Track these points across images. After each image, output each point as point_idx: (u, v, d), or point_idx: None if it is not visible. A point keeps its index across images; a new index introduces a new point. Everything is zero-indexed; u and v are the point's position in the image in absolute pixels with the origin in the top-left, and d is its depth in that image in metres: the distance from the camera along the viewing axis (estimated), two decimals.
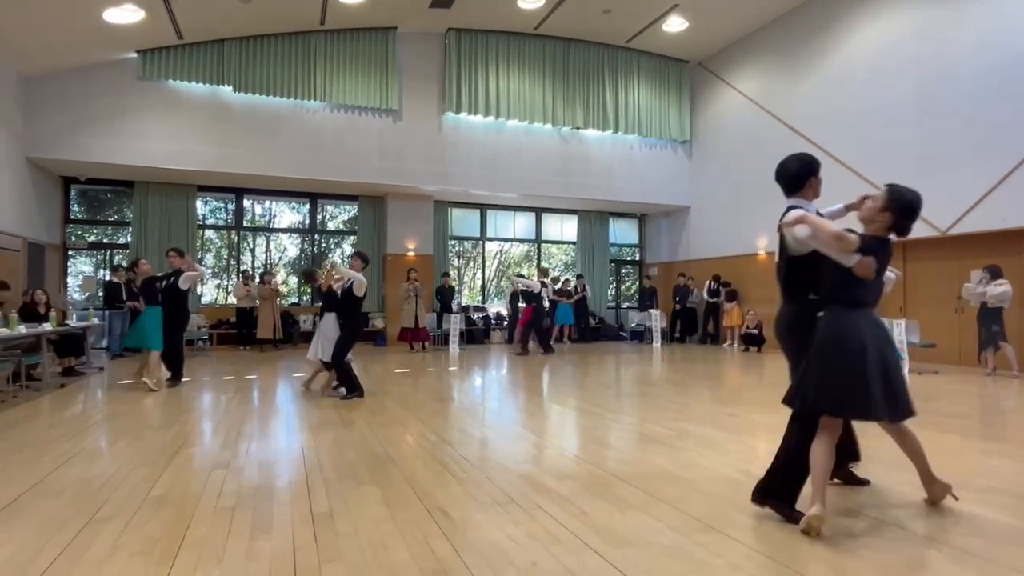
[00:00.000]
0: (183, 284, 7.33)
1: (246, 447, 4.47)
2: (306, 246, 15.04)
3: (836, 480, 3.48)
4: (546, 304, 12.67)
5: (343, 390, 6.72)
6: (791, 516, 2.92)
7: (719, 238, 14.55)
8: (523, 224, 16.29)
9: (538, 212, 16.20)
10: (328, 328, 6.80)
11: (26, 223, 10.76)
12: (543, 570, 2.46)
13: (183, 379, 7.59)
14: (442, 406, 6.32)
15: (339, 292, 6.87)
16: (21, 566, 2.48)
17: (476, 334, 14.54)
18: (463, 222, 15.68)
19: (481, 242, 16.17)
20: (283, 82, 12.08)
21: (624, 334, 16.14)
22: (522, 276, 13.11)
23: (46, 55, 10.29)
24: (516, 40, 13.72)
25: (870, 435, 3.80)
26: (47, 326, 7.52)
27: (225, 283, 14.43)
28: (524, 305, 12.26)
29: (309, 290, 13.66)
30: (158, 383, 7.09)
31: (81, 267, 13.56)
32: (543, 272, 13.03)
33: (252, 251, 14.57)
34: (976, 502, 3.25)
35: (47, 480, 3.62)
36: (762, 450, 4.49)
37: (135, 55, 11.24)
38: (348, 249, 15.59)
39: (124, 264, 11.96)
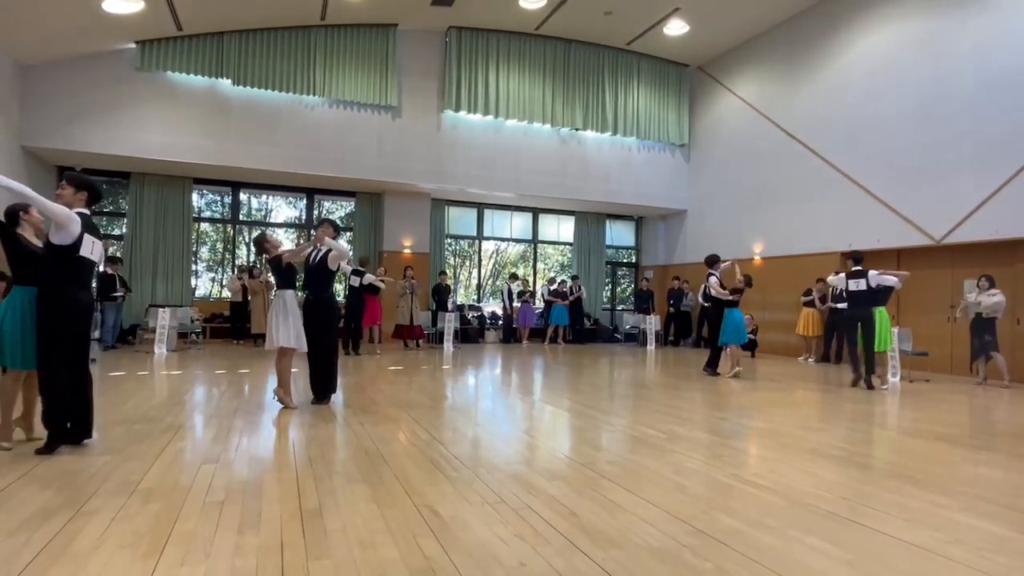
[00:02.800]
0: (55, 237, 3.86)
1: (237, 442, 4.45)
2: (302, 241, 15.00)
3: None
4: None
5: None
6: None
7: (715, 242, 14.54)
8: (520, 224, 16.28)
9: (535, 212, 16.20)
10: (291, 307, 5.67)
11: None
12: (531, 571, 2.45)
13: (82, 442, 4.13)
14: (435, 405, 6.32)
15: (299, 264, 5.91)
16: (5, 558, 2.46)
17: (471, 333, 14.54)
18: (460, 221, 15.67)
19: (477, 241, 16.16)
20: (282, 76, 12.04)
21: (619, 336, 16.15)
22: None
23: (44, 44, 10.23)
24: (517, 40, 13.72)
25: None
26: None
27: (220, 276, 14.38)
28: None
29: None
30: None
31: None
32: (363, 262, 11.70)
33: (248, 245, 14.51)
34: (965, 511, 3.27)
35: (34, 471, 3.59)
36: (753, 454, 4.50)
37: (133, 46, 11.18)
38: (344, 245, 15.53)
39: (119, 255, 11.94)
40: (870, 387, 7.78)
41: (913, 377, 9.17)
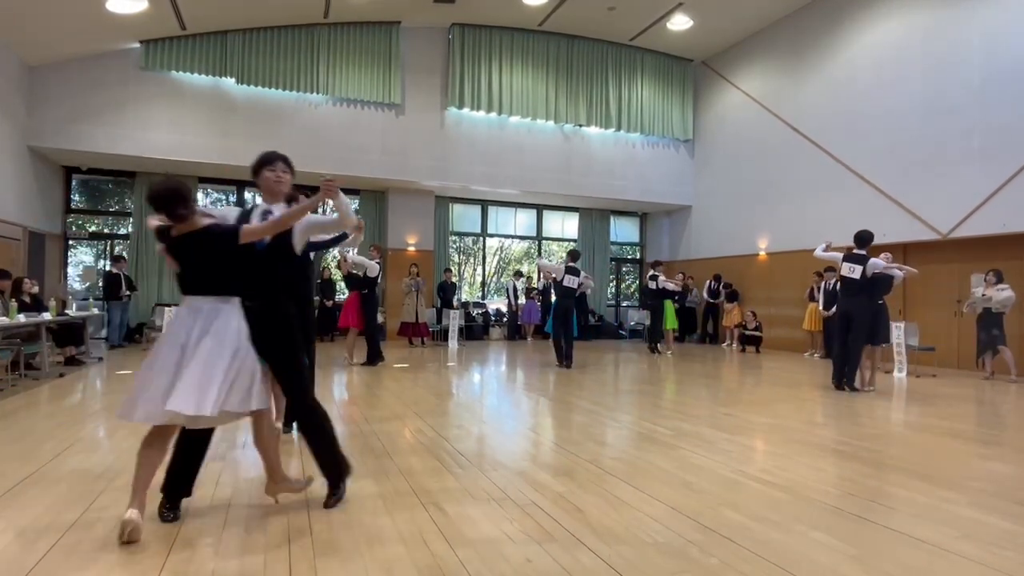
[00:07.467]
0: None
1: (243, 439, 4.47)
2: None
3: None
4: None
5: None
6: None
7: (720, 238, 14.54)
8: (524, 221, 16.27)
9: (539, 209, 16.18)
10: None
11: (27, 212, 10.76)
12: (537, 567, 2.46)
13: None
14: (440, 402, 6.33)
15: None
16: (16, 555, 2.48)
17: (476, 330, 14.55)
18: (464, 218, 15.67)
19: (482, 238, 16.16)
20: (286, 75, 12.05)
21: (623, 332, 16.13)
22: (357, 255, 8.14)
23: (49, 44, 10.27)
24: (520, 36, 13.69)
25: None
26: (46, 315, 7.52)
27: None
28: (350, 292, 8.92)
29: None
30: None
31: (81, 257, 13.56)
32: (378, 250, 9.29)
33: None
34: (972, 506, 3.26)
35: (44, 469, 3.62)
36: (759, 450, 4.49)
37: (138, 45, 11.22)
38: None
39: (124, 255, 11.99)
40: (657, 352, 11.70)
41: (920, 372, 9.13)
